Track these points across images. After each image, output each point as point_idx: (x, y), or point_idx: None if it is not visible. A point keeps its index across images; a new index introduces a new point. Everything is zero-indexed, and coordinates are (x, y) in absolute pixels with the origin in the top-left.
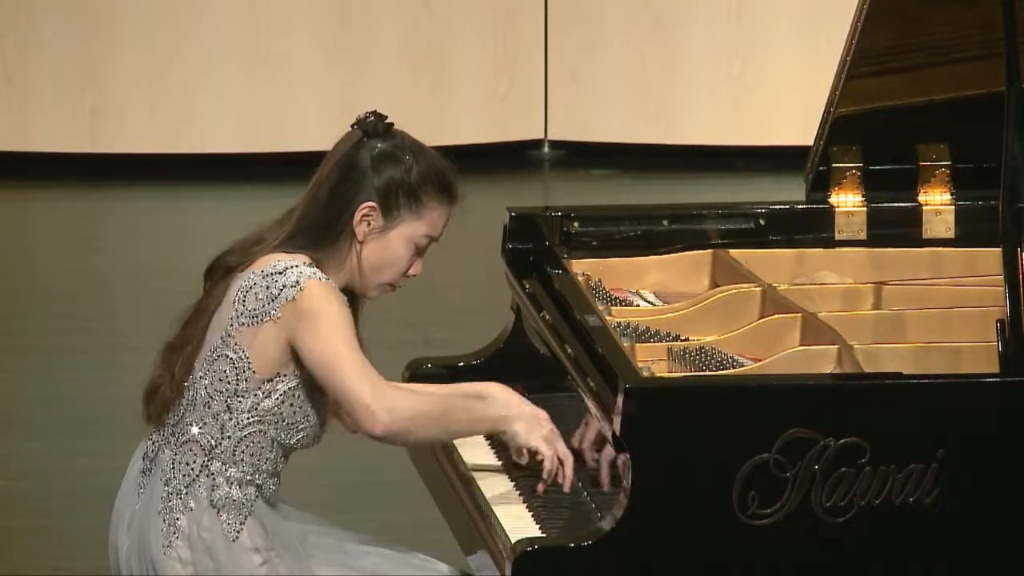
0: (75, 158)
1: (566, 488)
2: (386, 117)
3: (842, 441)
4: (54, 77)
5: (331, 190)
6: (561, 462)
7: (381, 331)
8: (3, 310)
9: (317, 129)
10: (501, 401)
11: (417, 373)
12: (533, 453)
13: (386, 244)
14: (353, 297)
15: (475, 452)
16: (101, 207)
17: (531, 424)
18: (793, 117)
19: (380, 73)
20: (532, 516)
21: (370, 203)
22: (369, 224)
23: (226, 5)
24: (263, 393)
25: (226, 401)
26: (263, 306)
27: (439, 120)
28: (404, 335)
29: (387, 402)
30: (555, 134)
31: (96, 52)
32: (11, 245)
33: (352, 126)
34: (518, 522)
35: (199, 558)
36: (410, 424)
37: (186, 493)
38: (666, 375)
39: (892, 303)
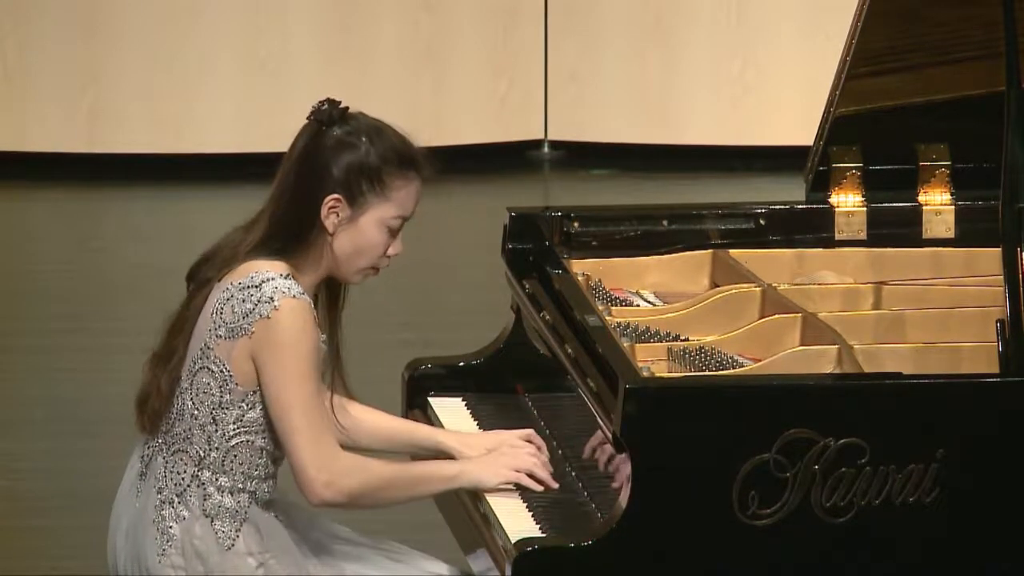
0: (74, 158)
1: (552, 485)
2: (340, 102)
3: (842, 441)
4: (54, 77)
5: (294, 188)
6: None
7: (381, 331)
8: (3, 310)
9: None
10: (451, 462)
11: (416, 373)
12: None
13: (358, 232)
14: (336, 284)
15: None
16: (100, 207)
17: (488, 468)
18: (793, 117)
19: (380, 73)
20: (532, 516)
21: (334, 195)
22: (337, 216)
23: (226, 5)
24: (247, 405)
25: (211, 413)
26: (238, 320)
27: (439, 120)
28: (404, 335)
29: (328, 476)
30: (555, 134)
31: (96, 52)
32: (11, 245)
33: (308, 118)
34: (518, 522)
35: (191, 563)
36: (347, 499)
37: (178, 502)
38: (666, 375)
39: (892, 303)
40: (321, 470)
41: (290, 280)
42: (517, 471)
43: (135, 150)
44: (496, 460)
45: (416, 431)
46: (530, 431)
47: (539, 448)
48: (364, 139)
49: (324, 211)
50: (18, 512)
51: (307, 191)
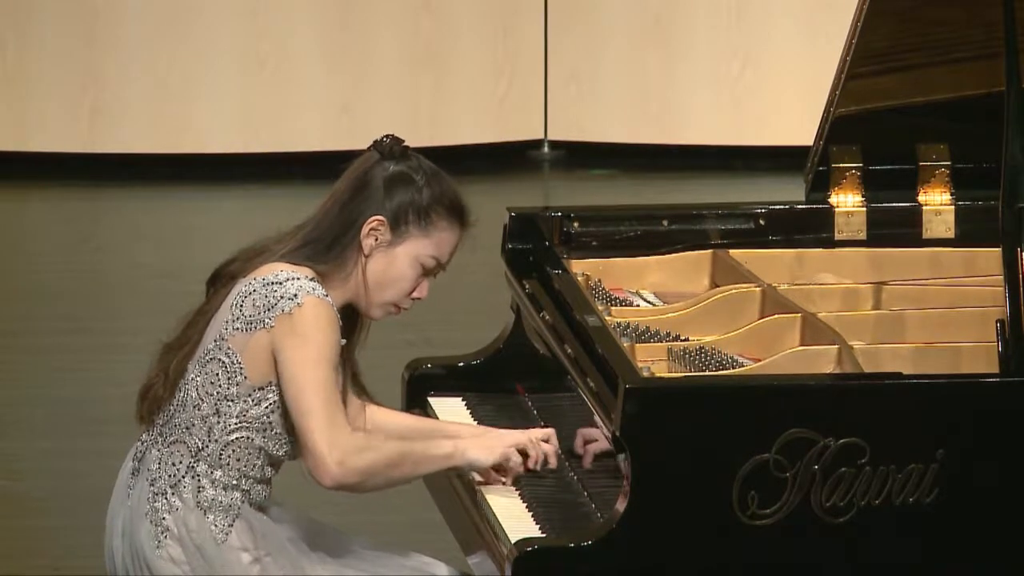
0: (74, 158)
1: (552, 463)
2: (403, 140)
3: (842, 441)
4: (54, 77)
5: (342, 206)
6: (526, 454)
7: (381, 331)
8: (3, 310)
9: (317, 130)
10: (451, 439)
11: (416, 373)
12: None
13: (391, 260)
14: (355, 315)
15: None
16: (101, 207)
17: (483, 447)
18: (793, 117)
19: (380, 74)
20: (532, 516)
21: (379, 216)
22: (376, 238)
23: (226, 5)
24: (253, 400)
25: (215, 404)
26: (259, 314)
27: (439, 120)
28: (404, 335)
29: (340, 455)
30: (555, 134)
31: (96, 52)
32: (11, 245)
33: (369, 148)
34: (518, 522)
35: (192, 558)
36: (360, 477)
37: (171, 493)
38: (666, 375)
39: (892, 303)
40: (334, 448)
41: (315, 283)
42: (509, 447)
43: (135, 150)
44: (490, 439)
45: (437, 428)
46: (550, 431)
47: (555, 452)
48: (421, 177)
49: (365, 230)
50: (18, 512)
51: (354, 209)
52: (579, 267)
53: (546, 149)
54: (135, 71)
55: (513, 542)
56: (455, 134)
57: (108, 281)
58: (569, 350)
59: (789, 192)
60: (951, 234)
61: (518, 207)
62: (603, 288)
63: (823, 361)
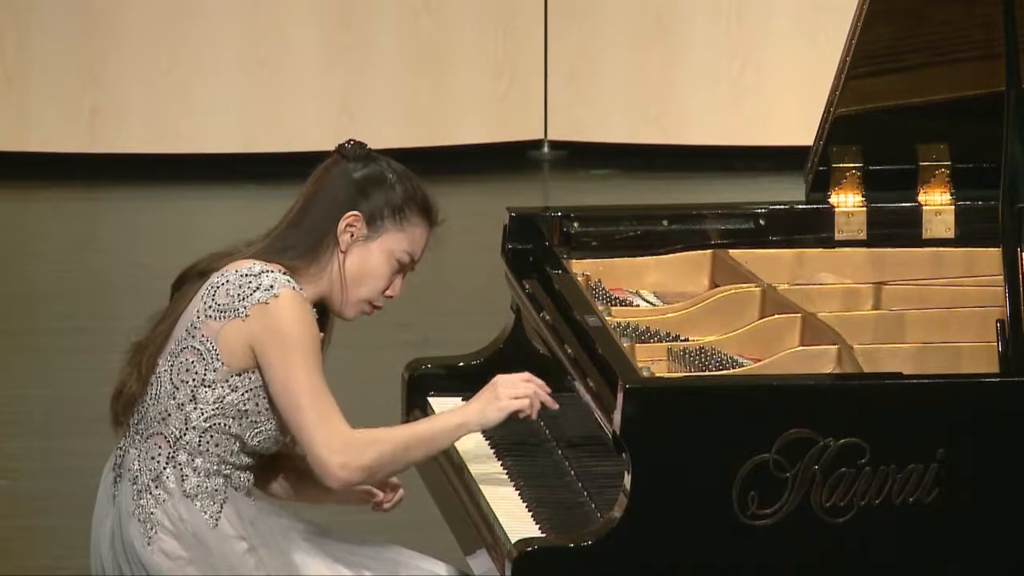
0: (74, 158)
1: (553, 405)
2: (365, 144)
3: (842, 441)
4: (54, 77)
5: (315, 208)
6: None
7: (380, 331)
8: (3, 310)
9: (316, 129)
10: (454, 410)
11: (416, 373)
12: (515, 415)
13: (368, 254)
14: (324, 315)
15: (478, 460)
16: (100, 207)
17: (490, 403)
18: (793, 117)
19: (380, 73)
20: (532, 516)
21: (354, 212)
22: (352, 234)
23: (226, 5)
24: (230, 386)
25: (192, 391)
26: (233, 302)
27: (439, 120)
28: (403, 335)
29: (341, 458)
30: (555, 134)
31: (96, 52)
32: (11, 245)
33: (333, 153)
34: (518, 522)
35: (190, 546)
36: (365, 473)
37: (155, 487)
38: (666, 375)
39: (892, 303)
40: (334, 452)
41: (288, 277)
42: (518, 399)
43: (135, 150)
44: (494, 395)
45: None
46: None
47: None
48: (392, 175)
49: (341, 226)
50: (18, 512)
51: (327, 211)
52: (579, 267)
53: (546, 149)
54: (135, 71)
55: (513, 542)
56: (455, 134)
57: (108, 281)
58: (569, 350)
59: (789, 192)
60: (951, 234)
61: (518, 207)
62: (603, 288)
63: (823, 361)
